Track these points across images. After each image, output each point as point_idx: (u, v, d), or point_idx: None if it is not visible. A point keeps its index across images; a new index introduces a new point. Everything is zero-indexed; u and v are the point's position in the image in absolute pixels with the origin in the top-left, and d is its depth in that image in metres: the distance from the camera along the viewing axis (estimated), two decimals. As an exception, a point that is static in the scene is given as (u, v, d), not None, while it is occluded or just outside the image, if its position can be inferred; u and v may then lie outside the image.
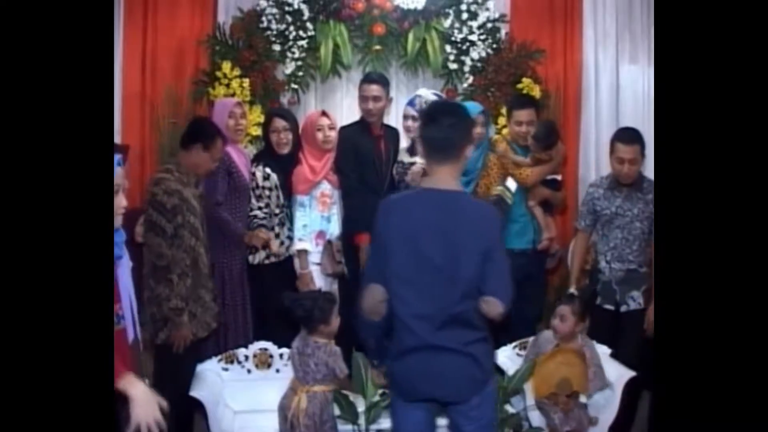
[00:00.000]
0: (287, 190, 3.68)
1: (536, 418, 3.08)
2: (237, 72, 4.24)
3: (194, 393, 2.92)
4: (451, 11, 4.41)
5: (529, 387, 3.09)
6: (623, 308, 3.49)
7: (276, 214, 3.65)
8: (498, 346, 3.08)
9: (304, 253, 3.65)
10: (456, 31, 4.42)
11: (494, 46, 4.45)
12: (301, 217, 3.66)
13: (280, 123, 3.68)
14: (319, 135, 3.68)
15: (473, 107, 3.61)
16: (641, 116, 4.60)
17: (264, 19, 4.32)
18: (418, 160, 3.67)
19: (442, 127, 2.29)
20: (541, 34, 4.54)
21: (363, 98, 3.75)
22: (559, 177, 3.96)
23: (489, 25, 4.45)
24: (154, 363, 3.16)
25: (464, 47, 4.43)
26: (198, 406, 2.97)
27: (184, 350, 3.05)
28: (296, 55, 4.36)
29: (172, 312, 2.99)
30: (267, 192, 3.63)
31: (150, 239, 3.01)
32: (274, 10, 4.32)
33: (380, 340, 2.45)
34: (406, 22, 4.39)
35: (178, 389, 2.87)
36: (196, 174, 3.20)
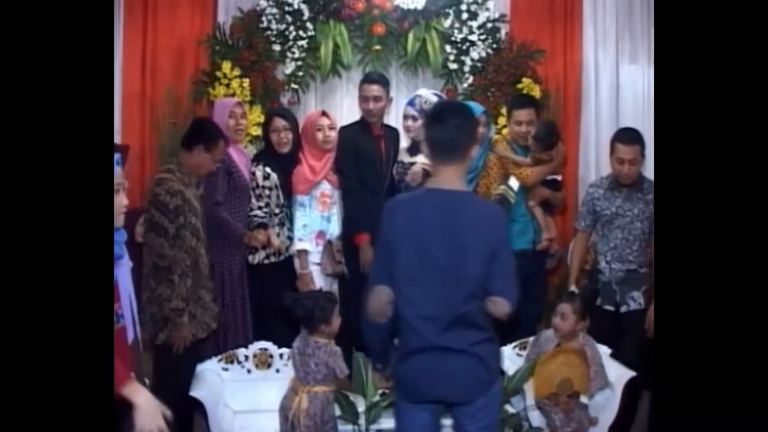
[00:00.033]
0: (287, 189, 3.68)
1: (536, 418, 3.08)
2: (237, 72, 4.24)
3: (194, 393, 2.92)
4: (451, 11, 4.41)
5: (529, 387, 3.09)
6: (623, 308, 3.49)
7: (276, 214, 3.65)
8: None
9: (304, 253, 3.65)
10: (456, 31, 4.42)
11: (494, 46, 4.45)
12: (301, 217, 3.66)
13: (280, 122, 3.68)
14: (319, 135, 3.68)
15: (475, 107, 3.61)
16: (641, 116, 4.60)
17: (264, 19, 4.32)
18: (418, 160, 3.67)
19: (447, 127, 2.28)
20: (541, 34, 4.54)
21: (363, 98, 3.75)
22: (559, 177, 3.96)
23: (489, 25, 4.45)
24: (154, 363, 3.15)
25: (464, 47, 4.43)
26: (198, 406, 2.97)
27: (183, 351, 3.04)
28: (296, 55, 4.36)
29: (173, 313, 2.98)
30: (267, 191, 3.63)
31: (151, 239, 3.00)
32: (274, 10, 4.32)
33: (384, 343, 2.45)
34: (406, 22, 4.39)
35: (177, 389, 2.87)
36: (197, 174, 3.20)
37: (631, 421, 3.45)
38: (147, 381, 3.00)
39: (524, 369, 3.10)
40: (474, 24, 4.42)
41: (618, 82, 4.70)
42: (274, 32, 4.33)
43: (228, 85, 4.22)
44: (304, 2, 4.32)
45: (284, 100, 4.39)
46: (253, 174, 3.63)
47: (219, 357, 3.19)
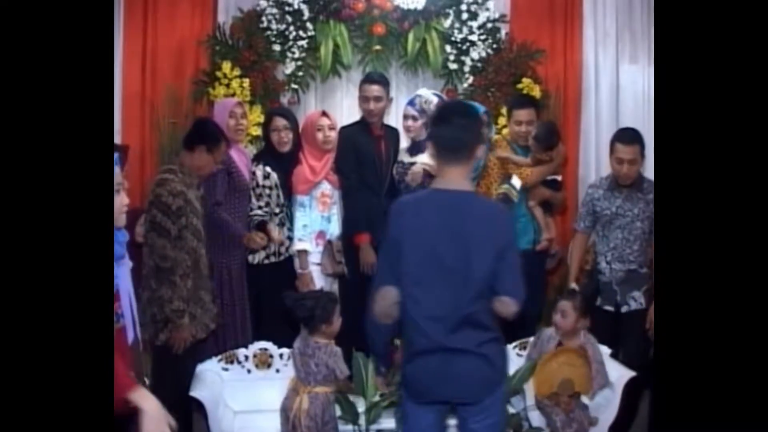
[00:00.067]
0: (287, 189, 3.68)
1: (536, 418, 3.08)
2: (237, 72, 4.24)
3: (194, 393, 2.92)
4: (451, 11, 4.41)
5: (529, 387, 3.09)
6: (624, 309, 3.49)
7: (276, 214, 3.65)
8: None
9: (304, 253, 3.65)
10: (456, 31, 4.42)
11: (494, 46, 4.45)
12: (301, 217, 3.66)
13: (280, 122, 3.68)
14: (319, 135, 3.68)
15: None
16: (641, 116, 4.60)
17: (264, 19, 4.32)
18: (419, 160, 3.67)
19: (453, 127, 2.28)
20: (541, 34, 4.54)
21: (364, 98, 3.75)
22: (559, 177, 3.96)
23: (489, 25, 4.45)
24: (153, 363, 3.15)
25: (464, 47, 4.43)
26: (198, 406, 2.97)
27: (183, 351, 3.04)
28: (296, 55, 4.36)
29: (174, 314, 2.98)
30: (267, 191, 3.63)
31: (153, 240, 2.99)
32: (274, 10, 4.32)
33: (389, 345, 2.45)
34: (406, 22, 4.39)
35: (176, 390, 2.87)
36: (198, 175, 3.19)
37: (632, 421, 3.44)
38: (146, 381, 3.01)
39: (524, 369, 3.10)
40: (474, 24, 4.42)
41: (618, 82, 4.69)
42: (274, 32, 4.33)
43: (228, 85, 4.22)
44: (304, 2, 4.32)
45: (284, 100, 4.39)
46: (254, 173, 3.63)
47: (219, 357, 3.19)
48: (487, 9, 4.44)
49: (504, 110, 4.18)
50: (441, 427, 2.44)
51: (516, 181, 3.70)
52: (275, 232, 3.59)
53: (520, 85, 4.39)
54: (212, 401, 2.95)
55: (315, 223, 3.69)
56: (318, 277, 3.67)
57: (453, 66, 4.45)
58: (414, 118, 3.69)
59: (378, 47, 4.40)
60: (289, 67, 4.36)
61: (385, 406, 2.94)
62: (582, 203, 3.75)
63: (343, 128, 3.84)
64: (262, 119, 4.02)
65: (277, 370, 3.21)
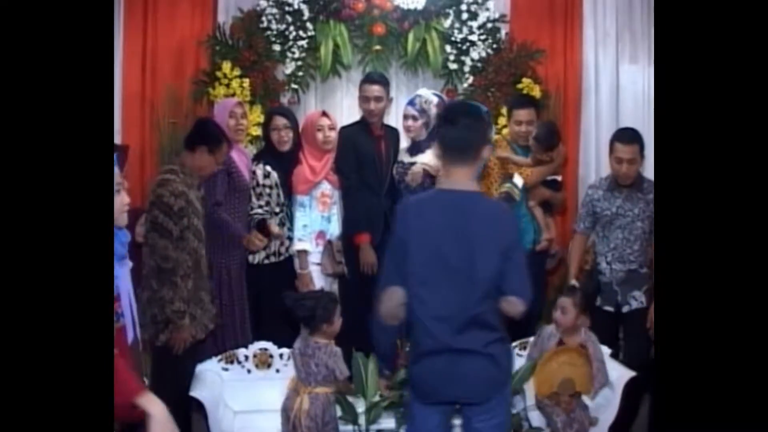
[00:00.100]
0: (287, 188, 3.68)
1: (536, 418, 3.08)
2: (237, 72, 4.24)
3: (194, 393, 2.92)
4: (451, 11, 4.41)
5: (529, 387, 3.09)
6: (625, 308, 3.49)
7: (276, 213, 3.65)
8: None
9: (304, 253, 3.65)
10: (456, 31, 4.42)
11: (494, 46, 4.45)
12: (301, 217, 3.66)
13: (280, 121, 3.68)
14: (320, 135, 3.68)
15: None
16: (641, 116, 4.60)
17: (264, 19, 4.32)
18: (419, 160, 3.67)
19: (459, 128, 2.29)
20: (541, 34, 4.54)
21: (364, 99, 3.75)
22: (559, 178, 3.97)
23: (489, 25, 4.45)
24: (153, 364, 3.15)
25: (464, 47, 4.43)
26: (198, 406, 2.97)
27: (182, 351, 3.04)
28: (296, 55, 4.36)
29: (175, 314, 2.97)
30: (267, 190, 3.63)
31: (154, 241, 2.98)
32: (274, 10, 4.32)
33: (394, 346, 2.45)
34: (406, 22, 4.39)
35: (176, 390, 2.87)
36: (199, 176, 3.19)
37: (632, 421, 3.44)
38: (146, 381, 3.01)
39: (524, 369, 3.09)
40: (474, 24, 4.42)
41: (618, 82, 4.70)
42: (274, 32, 4.33)
43: (228, 85, 4.22)
44: (304, 2, 4.32)
45: (284, 100, 4.39)
46: (254, 173, 3.63)
47: (219, 357, 3.18)
48: (487, 9, 4.44)
49: (504, 110, 4.18)
50: (447, 428, 2.44)
51: (518, 180, 3.70)
52: (275, 227, 3.59)
53: (520, 85, 4.39)
54: (212, 401, 2.95)
55: (315, 223, 3.69)
56: (318, 277, 3.67)
57: (453, 66, 4.45)
58: (414, 118, 3.69)
59: (378, 47, 4.40)
60: (289, 67, 4.36)
61: (385, 406, 2.94)
62: (582, 204, 3.75)
63: (343, 128, 3.84)
64: (262, 119, 4.02)
65: (277, 370, 3.21)
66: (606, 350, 3.22)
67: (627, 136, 3.46)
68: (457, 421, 2.52)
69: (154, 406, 1.73)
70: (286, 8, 4.32)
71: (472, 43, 4.43)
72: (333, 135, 3.72)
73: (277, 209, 3.66)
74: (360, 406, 2.97)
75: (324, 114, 3.76)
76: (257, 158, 3.73)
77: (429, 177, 3.64)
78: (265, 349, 3.23)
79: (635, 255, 3.49)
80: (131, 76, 4.34)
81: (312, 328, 2.83)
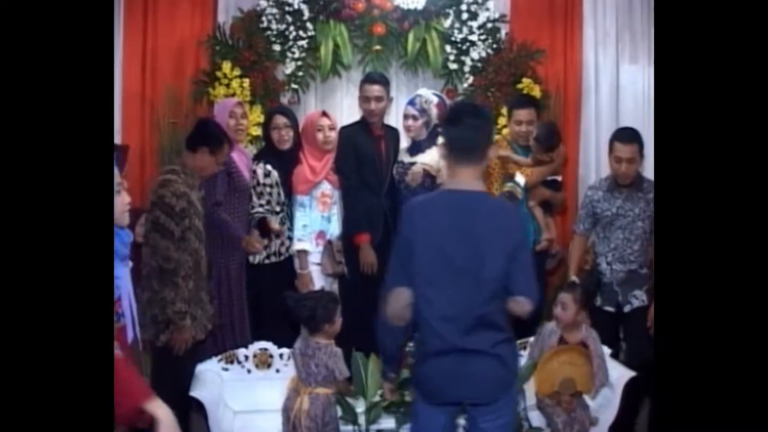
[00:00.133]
0: (287, 188, 3.68)
1: (536, 418, 3.08)
2: (237, 72, 4.24)
3: (194, 393, 2.92)
4: (451, 11, 4.41)
5: (528, 387, 3.09)
6: (627, 308, 3.49)
7: (277, 212, 3.65)
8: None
9: (304, 253, 3.65)
10: (456, 31, 4.42)
11: (494, 46, 4.45)
12: (301, 217, 3.66)
13: (281, 120, 3.69)
14: (320, 135, 3.68)
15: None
16: (641, 116, 4.60)
17: (264, 19, 4.32)
18: (419, 160, 3.67)
19: (465, 128, 2.29)
20: (541, 34, 4.54)
21: (365, 99, 3.75)
22: (559, 178, 3.97)
23: (489, 25, 4.45)
24: (153, 364, 3.15)
25: (464, 47, 4.43)
26: (198, 406, 2.97)
27: (183, 352, 3.04)
28: (296, 55, 4.35)
29: (176, 315, 2.96)
30: (268, 189, 3.63)
31: (156, 241, 2.98)
32: (274, 10, 4.32)
33: (400, 349, 2.44)
34: (406, 22, 4.38)
35: (176, 390, 2.87)
36: (200, 176, 3.19)
37: (633, 421, 3.44)
38: (146, 381, 3.01)
39: (524, 369, 3.09)
40: (474, 24, 4.41)
41: (618, 82, 4.69)
42: (274, 32, 4.33)
43: (228, 85, 4.22)
44: (304, 2, 4.32)
45: (284, 100, 4.39)
46: (254, 172, 3.63)
47: (219, 357, 3.18)
48: (487, 9, 4.44)
49: (504, 110, 4.18)
50: (452, 428, 2.44)
51: (520, 179, 3.70)
52: (275, 224, 3.59)
53: (520, 85, 4.39)
54: (212, 401, 2.95)
55: (315, 223, 3.69)
56: (318, 277, 3.67)
57: (453, 66, 4.45)
58: (414, 118, 3.70)
59: (378, 47, 4.40)
60: (289, 67, 4.36)
61: (385, 407, 2.94)
62: (581, 205, 3.74)
63: (343, 128, 3.84)
64: (262, 119, 4.02)
65: (277, 370, 3.21)
66: (606, 350, 3.22)
67: (626, 135, 3.46)
68: (461, 421, 2.52)
69: (160, 411, 1.74)
70: (286, 8, 4.32)
71: (472, 43, 4.43)
72: (333, 135, 3.72)
73: (278, 208, 3.66)
74: (360, 406, 2.97)
75: (324, 114, 3.76)
76: (258, 157, 3.74)
77: (429, 177, 3.64)
78: (265, 349, 3.23)
79: (635, 255, 3.49)
80: (131, 76, 4.34)
81: (313, 328, 2.83)
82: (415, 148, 3.75)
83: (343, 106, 4.55)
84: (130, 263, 2.85)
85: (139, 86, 4.35)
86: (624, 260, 3.50)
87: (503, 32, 4.50)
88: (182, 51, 4.38)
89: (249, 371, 3.20)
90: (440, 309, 2.24)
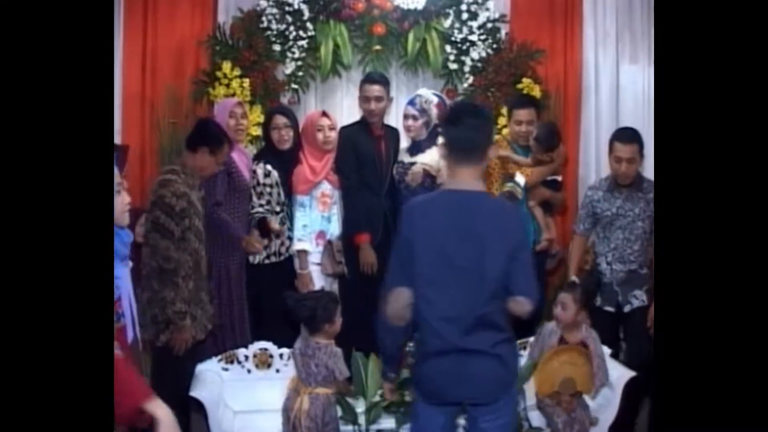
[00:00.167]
0: (287, 187, 3.68)
1: (536, 418, 3.08)
2: (237, 72, 4.24)
3: (194, 393, 2.91)
4: (451, 11, 4.41)
5: (528, 387, 3.09)
6: (627, 308, 3.49)
7: (277, 212, 3.65)
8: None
9: (303, 253, 3.65)
10: (456, 31, 4.42)
11: (494, 46, 4.45)
12: (301, 217, 3.66)
13: (281, 120, 3.69)
14: (320, 135, 3.68)
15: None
16: (641, 116, 4.60)
17: (264, 19, 4.32)
18: (419, 160, 3.67)
19: (466, 128, 2.29)
20: (541, 34, 4.54)
21: (365, 99, 3.75)
22: (559, 178, 3.97)
23: (489, 25, 4.45)
24: (153, 364, 3.15)
25: (464, 47, 4.43)
26: (198, 406, 2.97)
27: (183, 352, 3.04)
28: (296, 55, 4.35)
29: (176, 315, 2.96)
30: (268, 189, 3.63)
31: (156, 241, 2.97)
32: (274, 10, 4.32)
33: (400, 349, 2.44)
34: (406, 22, 4.38)
35: (176, 390, 2.87)
36: (200, 176, 3.19)
37: (633, 422, 3.44)
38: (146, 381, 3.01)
39: (524, 369, 3.09)
40: (474, 24, 4.41)
41: (618, 82, 4.69)
42: (274, 32, 4.33)
43: (228, 85, 4.22)
44: (304, 2, 4.32)
45: (284, 100, 4.39)
46: (254, 172, 3.63)
47: (219, 357, 3.18)
48: (487, 9, 4.44)
49: (504, 110, 4.18)
50: (452, 428, 2.44)
51: (520, 179, 3.70)
52: (275, 224, 3.59)
53: (520, 85, 4.39)
54: (212, 401, 2.95)
55: (315, 223, 3.69)
56: (318, 277, 3.67)
57: (453, 66, 4.45)
58: (414, 118, 3.70)
59: (378, 47, 4.40)
60: (289, 67, 4.36)
61: (385, 406, 2.94)
62: (581, 205, 3.74)
63: (344, 128, 3.84)
64: (262, 119, 4.02)
65: (277, 370, 3.20)
66: (606, 350, 3.22)
67: (626, 135, 3.46)
68: (461, 421, 2.52)
69: (161, 411, 1.74)
70: (286, 8, 4.32)
71: (472, 43, 4.43)
72: (333, 135, 3.72)
73: (278, 208, 3.66)
74: (360, 406, 2.97)
75: (324, 114, 3.76)
76: (258, 157, 3.74)
77: (429, 177, 3.64)
78: (265, 349, 3.23)
79: (635, 255, 3.49)
80: (131, 76, 4.34)
81: (313, 328, 2.83)
82: (415, 148, 3.75)
83: (343, 106, 4.55)
84: (130, 263, 2.85)
85: (139, 86, 4.35)
86: (624, 260, 3.49)
87: (503, 32, 4.50)
88: (182, 51, 4.38)
89: (249, 371, 3.20)
90: (440, 309, 2.24)
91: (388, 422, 2.97)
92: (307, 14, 4.32)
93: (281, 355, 3.22)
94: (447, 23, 4.41)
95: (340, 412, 2.89)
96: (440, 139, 3.46)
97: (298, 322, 2.90)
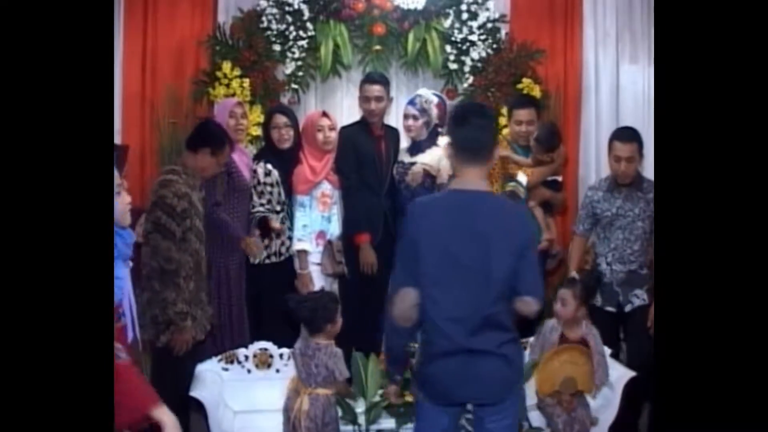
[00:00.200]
0: (288, 187, 3.68)
1: (536, 418, 3.08)
2: (237, 72, 4.24)
3: (194, 393, 2.91)
4: (451, 11, 4.41)
5: (529, 386, 3.09)
6: (628, 308, 3.49)
7: (277, 212, 3.65)
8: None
9: (303, 253, 3.65)
10: (456, 31, 4.42)
11: (494, 46, 4.45)
12: (301, 218, 3.66)
13: (281, 119, 3.69)
14: (320, 135, 3.68)
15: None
16: (641, 116, 4.60)
17: (264, 19, 4.32)
18: (419, 160, 3.67)
19: (472, 128, 2.28)
20: (541, 34, 4.54)
21: (365, 99, 3.75)
22: (559, 178, 3.97)
23: (489, 25, 4.45)
24: (152, 364, 3.15)
25: (464, 47, 4.43)
26: (198, 406, 2.97)
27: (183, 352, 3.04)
28: (296, 55, 4.36)
29: (177, 316, 2.96)
30: (268, 188, 3.63)
31: (157, 242, 2.96)
32: (274, 10, 4.32)
33: (407, 350, 2.44)
34: (406, 22, 4.39)
35: (176, 390, 2.87)
36: (201, 177, 3.19)
37: (633, 422, 3.44)
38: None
39: (525, 368, 3.09)
40: (474, 24, 4.42)
41: (618, 82, 4.69)
42: (274, 32, 4.33)
43: (228, 85, 4.22)
44: (304, 2, 4.32)
45: (284, 100, 4.39)
46: (254, 171, 3.63)
47: (219, 357, 3.18)
48: (487, 9, 4.44)
49: (504, 110, 4.18)
50: (456, 429, 2.44)
51: (522, 178, 3.70)
52: (276, 223, 3.59)
53: (520, 85, 4.39)
54: (212, 401, 2.95)
55: (315, 223, 3.69)
56: (318, 277, 3.67)
57: (453, 66, 4.45)
58: (414, 118, 3.70)
59: (378, 47, 4.40)
60: (289, 67, 4.36)
61: (385, 406, 2.94)
62: (581, 205, 3.74)
63: (344, 128, 3.84)
64: (262, 119, 4.02)
65: (277, 370, 3.20)
66: (607, 351, 3.22)
67: (625, 134, 3.46)
68: (463, 422, 2.52)
69: (166, 416, 1.75)
70: (286, 8, 4.32)
71: (472, 43, 4.43)
72: (333, 135, 3.72)
73: (278, 207, 3.66)
74: (360, 407, 2.97)
75: (324, 114, 3.76)
76: (258, 157, 3.74)
77: (429, 177, 3.64)
78: (265, 349, 3.23)
79: (635, 255, 3.49)
80: (131, 76, 4.34)
81: (313, 328, 2.82)
82: (416, 148, 3.75)
83: (343, 106, 4.55)
84: (131, 263, 2.85)
85: (139, 86, 4.35)
86: (624, 260, 3.49)
87: (503, 32, 4.50)
88: (182, 51, 4.38)
89: (249, 371, 3.19)
90: (447, 309, 2.23)
91: (388, 422, 2.97)
92: (307, 14, 4.32)
93: (281, 356, 3.21)
94: (447, 23, 4.41)
95: (340, 413, 2.88)
96: (441, 139, 3.47)
97: (298, 323, 2.90)
